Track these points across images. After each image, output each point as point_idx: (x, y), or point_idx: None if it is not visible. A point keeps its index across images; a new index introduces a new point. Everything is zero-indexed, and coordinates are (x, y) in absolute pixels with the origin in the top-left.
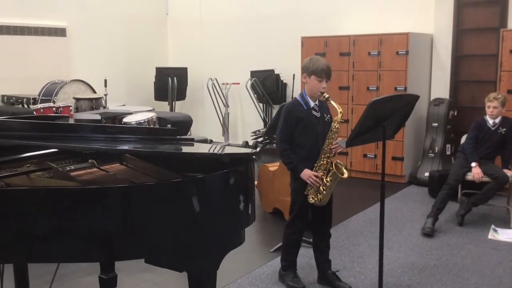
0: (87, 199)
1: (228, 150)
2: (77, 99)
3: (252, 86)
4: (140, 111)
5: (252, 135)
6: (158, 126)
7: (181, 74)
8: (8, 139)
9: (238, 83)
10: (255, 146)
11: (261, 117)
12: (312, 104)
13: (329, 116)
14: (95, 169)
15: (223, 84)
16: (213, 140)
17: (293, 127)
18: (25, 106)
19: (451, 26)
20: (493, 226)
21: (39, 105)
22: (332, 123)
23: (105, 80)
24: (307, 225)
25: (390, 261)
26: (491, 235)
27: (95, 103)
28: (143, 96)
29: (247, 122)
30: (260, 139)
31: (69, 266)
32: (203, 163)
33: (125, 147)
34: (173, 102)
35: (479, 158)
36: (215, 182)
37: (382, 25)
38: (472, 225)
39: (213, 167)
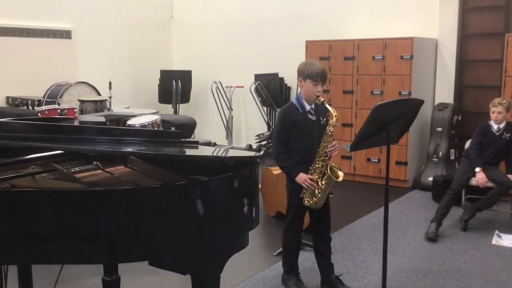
0: (91, 201)
1: (232, 153)
2: (82, 101)
3: (256, 89)
4: (144, 114)
5: (256, 139)
6: (162, 129)
7: (185, 77)
8: (13, 140)
9: (242, 86)
10: (258, 149)
11: (264, 120)
12: (308, 107)
13: (325, 119)
14: (99, 171)
15: (227, 87)
16: (217, 143)
17: (289, 131)
18: (30, 108)
19: (455, 31)
20: (497, 232)
21: (44, 107)
22: (327, 127)
23: (110, 83)
24: (302, 227)
25: (394, 266)
26: (494, 241)
27: (99, 105)
28: (147, 99)
29: (251, 125)
30: (263, 143)
31: (73, 267)
32: (207, 166)
33: (130, 149)
34: (177, 105)
35: (483, 163)
36: (219, 185)
37: (386, 30)
38: (476, 230)
39: (217, 170)
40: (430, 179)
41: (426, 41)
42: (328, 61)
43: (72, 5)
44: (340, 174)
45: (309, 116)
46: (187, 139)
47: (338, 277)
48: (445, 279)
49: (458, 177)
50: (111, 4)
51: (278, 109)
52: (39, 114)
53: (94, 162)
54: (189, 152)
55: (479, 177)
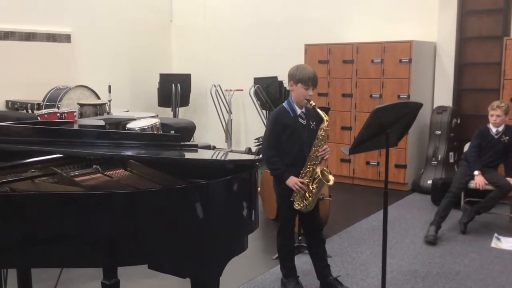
0: (91, 204)
1: (232, 156)
2: (81, 105)
3: (255, 92)
4: (144, 117)
5: (255, 142)
6: (161, 132)
7: (184, 80)
8: (13, 144)
9: (242, 90)
10: (258, 153)
11: (264, 123)
12: (298, 111)
13: (315, 123)
14: (99, 175)
15: (226, 90)
16: (216, 147)
17: (280, 134)
18: (30, 111)
19: (454, 34)
20: (496, 235)
21: (44, 111)
22: (319, 131)
23: (109, 86)
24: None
25: (393, 269)
26: (494, 244)
27: (99, 109)
28: (146, 102)
29: (250, 128)
30: None
31: (72, 271)
32: (206, 169)
33: (129, 153)
34: (177, 109)
35: (482, 166)
36: (219, 188)
37: (385, 33)
38: (475, 233)
39: (216, 174)
40: (429, 182)
41: (425, 45)
42: (327, 64)
43: (72, 9)
44: (331, 178)
45: (300, 120)
46: (186, 143)
47: (336, 278)
48: (445, 282)
49: (457, 180)
50: (111, 8)
51: None
52: (39, 118)
53: (94, 166)
54: (188, 155)
55: (478, 180)
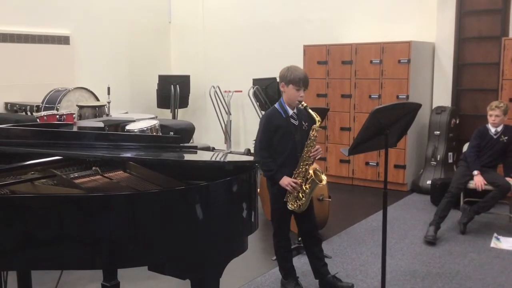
0: (91, 206)
1: (231, 158)
2: (80, 107)
3: (254, 94)
4: (143, 119)
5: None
6: (161, 134)
7: (183, 81)
8: (12, 146)
9: (241, 91)
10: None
11: None
12: (290, 112)
13: (307, 124)
14: (98, 177)
15: (225, 91)
16: (215, 148)
17: (272, 135)
18: (29, 113)
19: (453, 34)
20: (495, 235)
21: (43, 113)
22: (311, 132)
23: (108, 88)
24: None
25: (393, 269)
26: (493, 244)
27: (98, 110)
28: (145, 104)
29: (249, 129)
30: None
31: (72, 273)
32: (206, 170)
33: (128, 154)
34: (176, 110)
35: (481, 166)
36: (218, 189)
37: (384, 34)
38: (475, 233)
39: (216, 175)
40: (429, 182)
41: (424, 45)
42: (326, 65)
43: (71, 11)
44: (324, 178)
45: (292, 120)
46: (185, 144)
47: (335, 276)
48: (444, 282)
49: (456, 180)
50: (109, 9)
51: None
52: (38, 120)
53: (93, 168)
54: (188, 157)
55: (477, 180)
